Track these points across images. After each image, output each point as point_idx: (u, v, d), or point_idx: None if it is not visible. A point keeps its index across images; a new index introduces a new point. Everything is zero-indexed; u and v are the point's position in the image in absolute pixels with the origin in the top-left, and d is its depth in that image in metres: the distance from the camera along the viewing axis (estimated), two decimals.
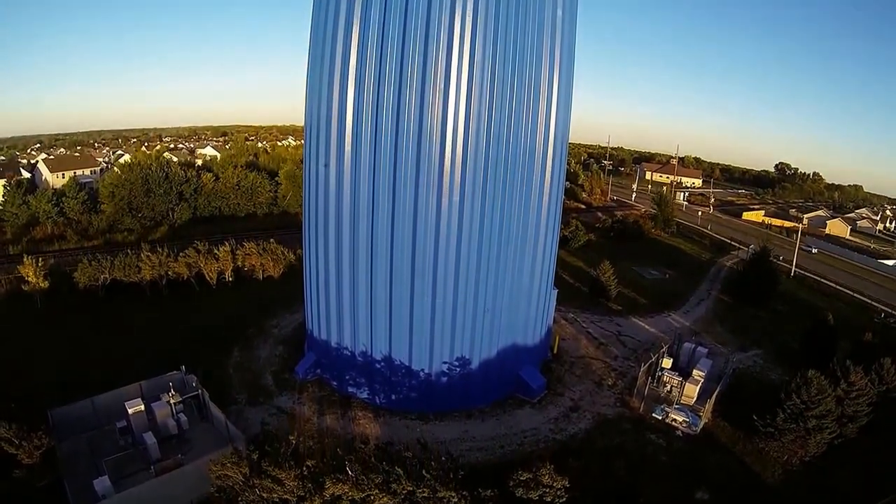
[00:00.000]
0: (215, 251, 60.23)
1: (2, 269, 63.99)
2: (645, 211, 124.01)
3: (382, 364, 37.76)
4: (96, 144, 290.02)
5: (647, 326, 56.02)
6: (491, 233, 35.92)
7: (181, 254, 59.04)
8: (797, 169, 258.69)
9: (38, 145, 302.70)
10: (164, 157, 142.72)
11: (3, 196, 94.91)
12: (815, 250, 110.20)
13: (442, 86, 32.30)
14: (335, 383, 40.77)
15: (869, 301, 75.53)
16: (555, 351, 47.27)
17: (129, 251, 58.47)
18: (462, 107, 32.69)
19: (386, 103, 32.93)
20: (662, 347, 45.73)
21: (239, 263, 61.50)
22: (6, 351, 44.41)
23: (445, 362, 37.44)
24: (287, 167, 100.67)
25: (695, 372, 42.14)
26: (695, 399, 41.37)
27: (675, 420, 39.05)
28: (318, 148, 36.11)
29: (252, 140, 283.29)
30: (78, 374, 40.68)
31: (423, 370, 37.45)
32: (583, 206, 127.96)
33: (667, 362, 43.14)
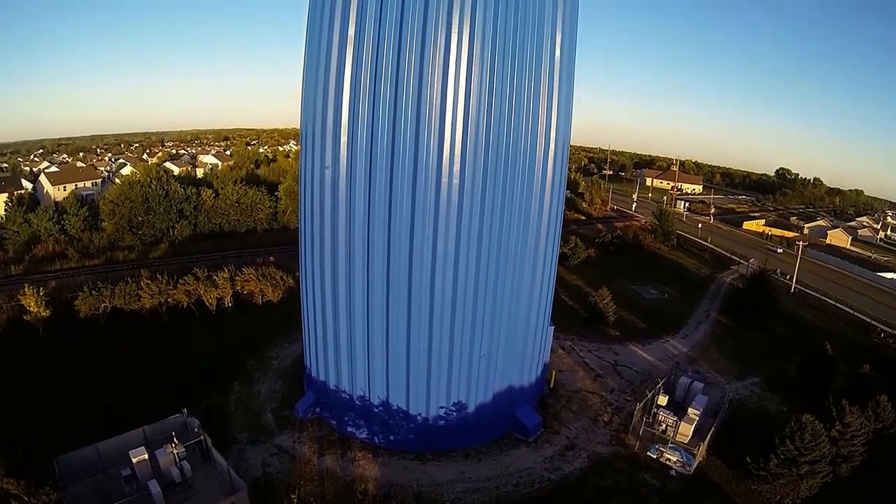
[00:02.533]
0: (214, 277, 60.54)
1: (4, 291, 64.43)
2: (645, 222, 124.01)
3: (380, 408, 38.13)
4: (98, 150, 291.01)
5: (644, 354, 56.27)
6: (488, 267, 35.91)
7: (181, 280, 59.39)
8: (797, 174, 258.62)
9: (41, 151, 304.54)
10: (164, 171, 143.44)
11: (5, 212, 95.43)
12: (780, 250, 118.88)
13: (439, 86, 31.70)
14: (334, 422, 41.13)
15: (868, 320, 75.68)
16: (551, 385, 47.53)
17: (129, 279, 58.74)
18: (460, 107, 32.09)
19: (382, 103, 32.41)
20: (658, 383, 45.93)
21: (238, 288, 61.85)
22: (9, 384, 44.81)
23: (442, 407, 37.77)
24: (287, 182, 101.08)
25: (690, 411, 42.35)
26: (689, 437, 41.63)
27: (669, 459, 39.37)
28: (314, 152, 35.71)
29: (254, 145, 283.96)
30: (81, 410, 41.41)
31: (420, 414, 37.79)
32: (582, 218, 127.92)
33: (662, 399, 43.33)
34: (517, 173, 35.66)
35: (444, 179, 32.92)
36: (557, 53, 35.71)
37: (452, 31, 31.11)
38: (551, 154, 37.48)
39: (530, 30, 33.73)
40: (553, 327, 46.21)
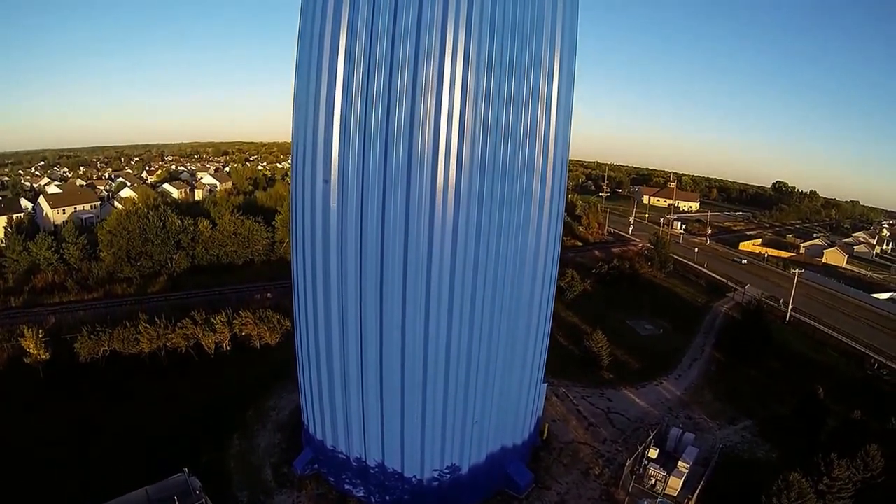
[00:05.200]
0: (212, 320, 61.19)
1: (3, 326, 65.20)
2: (642, 246, 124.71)
3: (376, 469, 38.70)
4: (99, 164, 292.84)
5: (637, 400, 56.71)
6: (481, 329, 36.14)
7: (178, 324, 60.00)
8: (794, 188, 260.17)
9: (42, 163, 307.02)
10: (162, 195, 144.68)
11: (4, 238, 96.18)
12: (744, 261, 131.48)
13: (433, 109, 30.56)
14: (332, 479, 41.68)
15: (863, 349, 76.53)
16: (544, 436, 48.00)
17: (127, 323, 59.31)
18: (455, 120, 30.82)
19: (375, 122, 31.40)
20: (650, 434, 46.52)
21: (236, 331, 62.49)
22: (13, 432, 45.63)
23: (436, 469, 38.26)
24: (284, 213, 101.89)
25: (680, 464, 42.91)
26: (679, 490, 42.19)
27: None
28: (305, 169, 34.77)
29: (253, 161, 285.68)
30: (82, 461, 42.41)
31: (414, 476, 38.27)
32: (579, 244, 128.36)
33: (653, 452, 43.90)
34: (513, 205, 34.86)
35: (438, 213, 32.29)
36: (556, 66, 34.73)
37: (447, 44, 29.99)
38: (549, 177, 36.37)
39: (528, 40, 32.81)
40: (547, 384, 46.78)
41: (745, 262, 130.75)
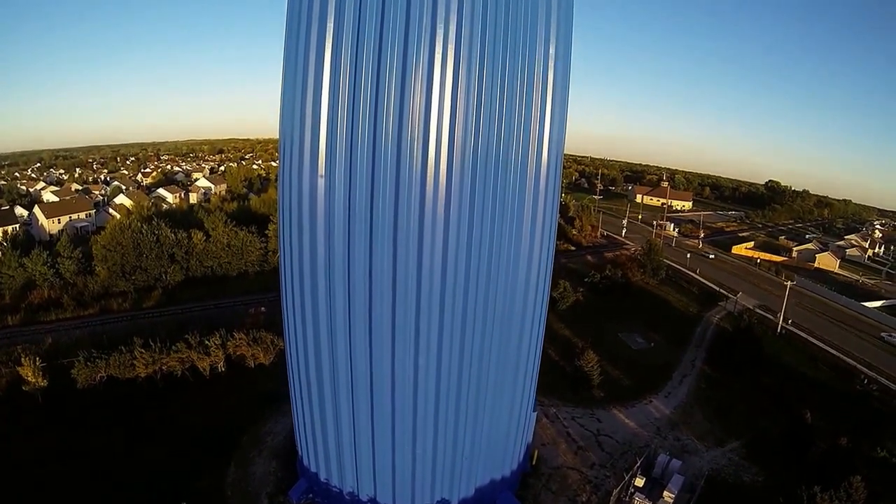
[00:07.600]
0: (206, 342, 61.74)
1: (2, 346, 65.79)
2: (635, 250, 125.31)
3: (368, 503, 39.50)
4: (95, 165, 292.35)
5: (627, 420, 57.42)
6: (471, 360, 36.49)
7: (173, 347, 60.48)
8: (787, 186, 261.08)
9: (39, 164, 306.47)
10: (156, 204, 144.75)
11: (1, 253, 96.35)
12: (712, 256, 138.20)
13: (422, 108, 29.69)
14: None
15: (853, 363, 77.43)
16: (534, 462, 48.66)
17: (122, 348, 59.69)
18: (445, 123, 29.97)
19: (363, 121, 30.62)
20: (637, 462, 47.32)
21: (230, 352, 63.05)
22: (12, 457, 46.75)
23: (426, 503, 39.10)
24: (276, 222, 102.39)
25: (665, 494, 43.73)
26: None
27: None
28: (292, 167, 33.61)
29: (248, 159, 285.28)
30: (83, 492, 43.17)
31: None
32: (572, 248, 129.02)
33: (639, 481, 44.75)
34: (506, 209, 34.26)
35: (428, 218, 31.41)
36: (551, 63, 33.76)
37: (437, 40, 28.94)
38: (543, 179, 35.55)
39: (522, 37, 32.04)
40: (536, 413, 47.48)
41: (713, 256, 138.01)
